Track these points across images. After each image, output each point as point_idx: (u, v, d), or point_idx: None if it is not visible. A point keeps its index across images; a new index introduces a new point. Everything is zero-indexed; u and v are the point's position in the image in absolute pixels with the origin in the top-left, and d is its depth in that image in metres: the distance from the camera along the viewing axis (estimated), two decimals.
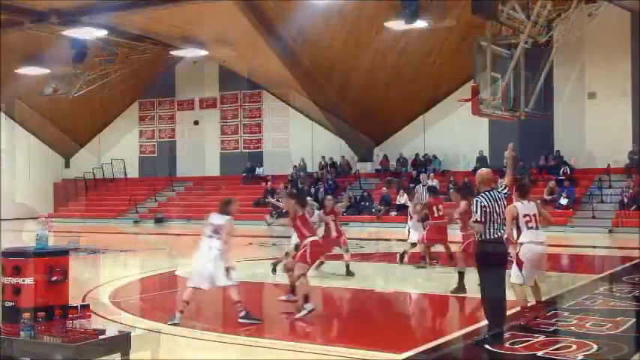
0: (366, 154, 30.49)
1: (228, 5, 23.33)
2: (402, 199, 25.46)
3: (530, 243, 8.03)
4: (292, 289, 9.68)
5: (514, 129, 22.24)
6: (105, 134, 37.30)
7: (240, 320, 8.31)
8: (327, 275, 12.33)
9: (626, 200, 23.05)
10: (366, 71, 26.91)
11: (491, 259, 7.22)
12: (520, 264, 8.08)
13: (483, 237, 7.24)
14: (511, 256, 8.12)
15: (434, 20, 19.28)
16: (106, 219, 31.57)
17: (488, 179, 7.48)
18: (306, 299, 8.80)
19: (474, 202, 7.30)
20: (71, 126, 36.31)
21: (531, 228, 8.03)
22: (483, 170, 7.72)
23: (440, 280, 12.50)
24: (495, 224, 7.21)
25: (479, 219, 7.17)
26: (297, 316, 8.77)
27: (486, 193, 7.31)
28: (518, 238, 8.06)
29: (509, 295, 7.95)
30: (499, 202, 7.28)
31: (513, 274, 8.09)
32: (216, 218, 8.47)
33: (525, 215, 8.03)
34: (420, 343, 7.44)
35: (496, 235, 7.24)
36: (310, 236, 9.18)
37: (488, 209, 7.18)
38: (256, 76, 29.79)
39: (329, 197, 14.05)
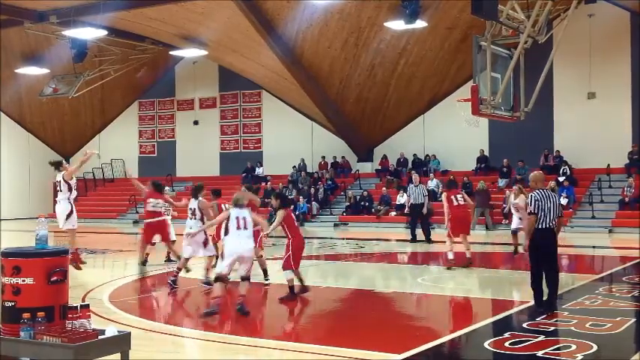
0: (366, 154, 30.49)
1: (228, 5, 23.33)
2: (402, 199, 25.49)
3: None
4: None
5: (514, 129, 22.26)
6: (105, 134, 37.32)
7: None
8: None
9: (627, 199, 23.03)
10: (366, 71, 26.91)
11: (539, 244, 8.77)
12: None
13: (537, 226, 8.72)
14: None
15: None
16: (106, 219, 31.56)
17: (540, 179, 9.08)
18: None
19: (529, 197, 8.81)
20: (71, 126, 36.33)
21: None
22: (536, 172, 9.35)
23: (440, 280, 12.52)
24: (542, 217, 8.65)
25: (533, 210, 8.66)
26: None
27: (540, 190, 8.81)
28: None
29: None
30: (551, 199, 8.73)
31: None
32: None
33: None
34: (420, 343, 7.43)
35: (544, 226, 8.69)
36: None
37: (539, 203, 8.64)
38: (256, 75, 29.77)
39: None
